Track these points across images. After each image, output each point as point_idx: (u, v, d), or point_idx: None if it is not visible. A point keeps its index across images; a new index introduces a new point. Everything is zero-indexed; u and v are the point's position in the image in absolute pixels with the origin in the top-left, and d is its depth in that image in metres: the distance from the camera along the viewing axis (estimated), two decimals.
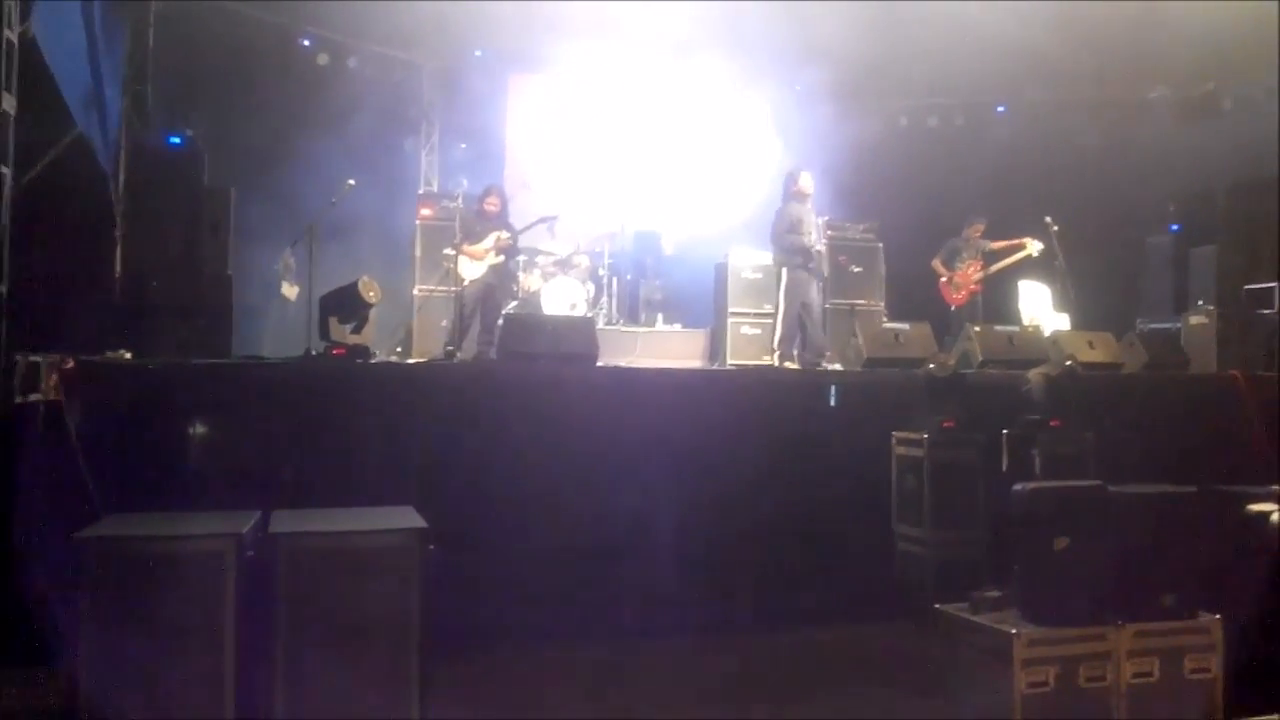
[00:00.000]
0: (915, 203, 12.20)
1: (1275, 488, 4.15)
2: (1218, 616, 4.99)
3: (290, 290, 10.80)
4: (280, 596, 4.28)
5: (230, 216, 8.12)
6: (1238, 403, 7.65)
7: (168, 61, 10.15)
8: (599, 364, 7.62)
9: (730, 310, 10.12)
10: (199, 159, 7.96)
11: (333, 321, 7.32)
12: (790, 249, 9.35)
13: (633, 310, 11.22)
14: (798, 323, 9.19)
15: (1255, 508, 3.93)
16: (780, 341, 9.25)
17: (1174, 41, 11.66)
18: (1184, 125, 13.28)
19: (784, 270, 9.35)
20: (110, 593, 4.07)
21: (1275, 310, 10.18)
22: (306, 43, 12.00)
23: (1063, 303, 10.29)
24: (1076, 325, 9.95)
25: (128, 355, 6.60)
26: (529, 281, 10.75)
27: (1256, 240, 11.60)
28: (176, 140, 8.08)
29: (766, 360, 9.82)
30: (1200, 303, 10.22)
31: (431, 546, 4.44)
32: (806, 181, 9.67)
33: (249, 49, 11.29)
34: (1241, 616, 5.12)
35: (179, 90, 10.20)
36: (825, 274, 10.06)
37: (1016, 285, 10.66)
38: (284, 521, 4.59)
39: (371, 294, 7.43)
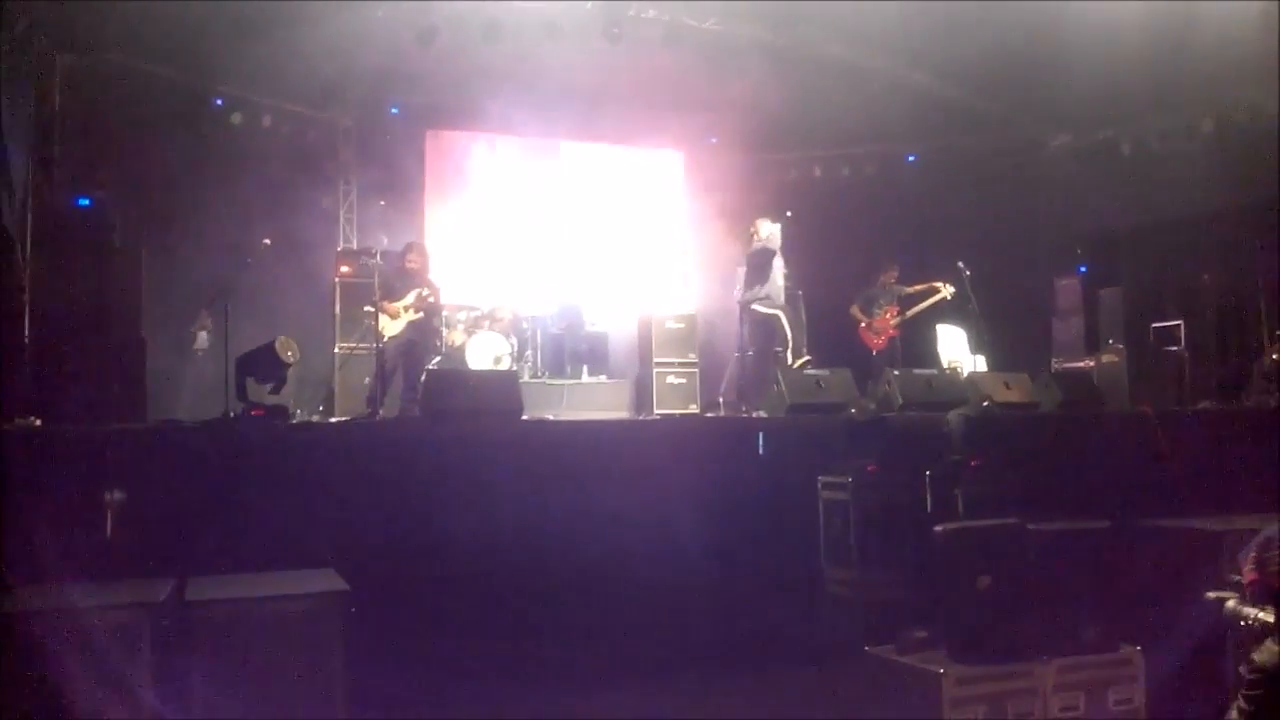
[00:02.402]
0: (832, 251, 12.43)
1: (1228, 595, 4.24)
2: (1139, 648, 5.08)
3: (205, 346, 10.65)
4: (197, 666, 4.16)
5: (142, 278, 7.96)
6: (1150, 438, 7.84)
7: (76, 122, 10.01)
8: (524, 418, 7.57)
9: (655, 360, 10.15)
10: (108, 220, 7.81)
11: (250, 382, 7.19)
12: None
13: (557, 363, 11.20)
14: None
15: (1212, 595, 4.02)
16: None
17: (1074, 88, 12.10)
18: (1086, 170, 13.75)
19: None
20: (20, 667, 3.92)
21: (1181, 347, 10.52)
22: (219, 102, 11.90)
23: (978, 345, 10.53)
24: (992, 366, 10.18)
25: (37, 421, 6.40)
26: (452, 337, 10.70)
27: (1160, 280, 12.01)
28: (85, 201, 7.94)
29: (693, 409, 9.88)
30: (1110, 341, 10.52)
31: (353, 609, 4.36)
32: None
33: (160, 109, 11.17)
34: (1162, 646, 5.22)
35: (88, 151, 10.04)
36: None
37: (934, 329, 10.89)
38: (201, 588, 4.48)
39: (289, 353, 7.31)
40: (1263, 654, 3.71)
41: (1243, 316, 10.72)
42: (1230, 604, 3.98)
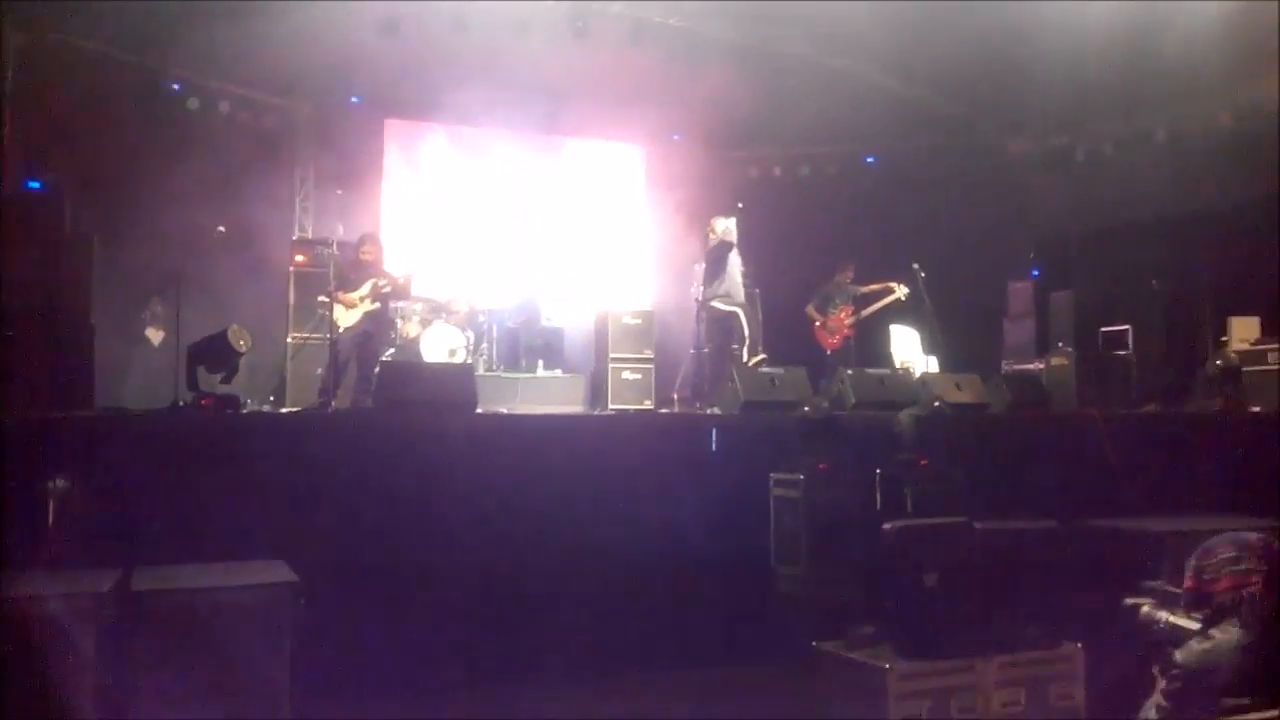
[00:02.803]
0: (790, 250, 12.50)
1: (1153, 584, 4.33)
2: (1079, 645, 5.17)
3: (155, 335, 10.52)
4: (144, 657, 4.13)
5: (93, 264, 7.85)
6: (1096, 440, 7.96)
7: (28, 104, 9.84)
8: (478, 411, 7.56)
9: (611, 356, 10.16)
10: (59, 205, 7.68)
11: (201, 371, 7.13)
12: None
13: (513, 357, 11.18)
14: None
15: (1129, 601, 4.11)
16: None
17: (1033, 95, 12.28)
18: (1042, 175, 13.94)
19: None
20: None
21: (1129, 351, 10.68)
22: (176, 86, 11.75)
23: (931, 345, 10.64)
24: (944, 367, 10.29)
25: None
26: (407, 329, 10.65)
27: (1111, 284, 12.20)
28: (36, 185, 7.81)
29: (647, 405, 9.91)
30: (1060, 344, 10.66)
31: (303, 600, 4.34)
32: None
33: (116, 92, 11.01)
34: (1103, 643, 5.31)
35: (40, 134, 9.88)
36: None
37: (888, 329, 10.99)
38: (147, 579, 4.44)
39: (242, 342, 7.26)
40: (1185, 653, 3.80)
41: (1189, 323, 10.92)
42: (1145, 609, 4.07)
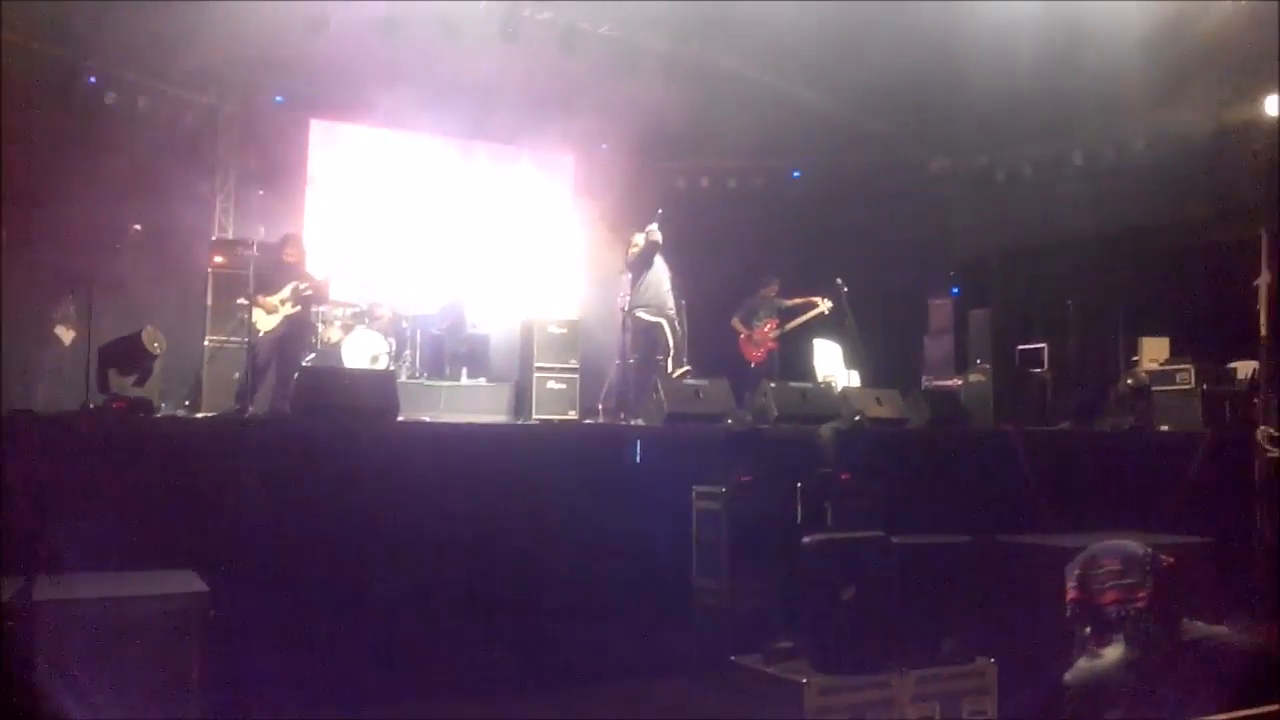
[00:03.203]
0: (715, 261, 12.57)
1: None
2: (992, 660, 5.26)
3: (66, 334, 10.24)
4: (45, 669, 3.99)
5: (1, 261, 7.61)
6: (1012, 456, 8.12)
7: None
8: (400, 419, 7.47)
9: (536, 365, 10.12)
10: None
11: (113, 373, 6.93)
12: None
13: (436, 364, 11.07)
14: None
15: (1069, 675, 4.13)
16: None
17: (956, 116, 12.53)
18: (962, 194, 14.22)
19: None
20: None
21: (1045, 368, 10.92)
22: (93, 79, 11.44)
23: (853, 360, 10.78)
24: (866, 382, 10.43)
25: None
26: (329, 333, 10.48)
27: (1028, 303, 12.47)
28: None
29: (572, 415, 9.88)
30: (978, 361, 10.85)
31: (213, 612, 4.23)
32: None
33: (28, 83, 10.67)
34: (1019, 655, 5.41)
35: None
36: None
37: (811, 343, 11.10)
38: (50, 588, 4.30)
39: (156, 344, 7.09)
40: (1074, 673, 3.86)
41: (1102, 342, 11.20)
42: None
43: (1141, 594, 3.81)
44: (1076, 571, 3.99)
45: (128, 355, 7.00)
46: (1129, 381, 10.11)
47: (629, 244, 10.18)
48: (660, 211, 10.31)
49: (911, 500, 7.26)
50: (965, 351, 11.44)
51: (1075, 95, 11.43)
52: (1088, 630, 3.90)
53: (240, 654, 5.11)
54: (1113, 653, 3.75)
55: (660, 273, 10.02)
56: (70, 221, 10.12)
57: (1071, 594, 3.99)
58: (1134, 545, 4.23)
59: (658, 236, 10.00)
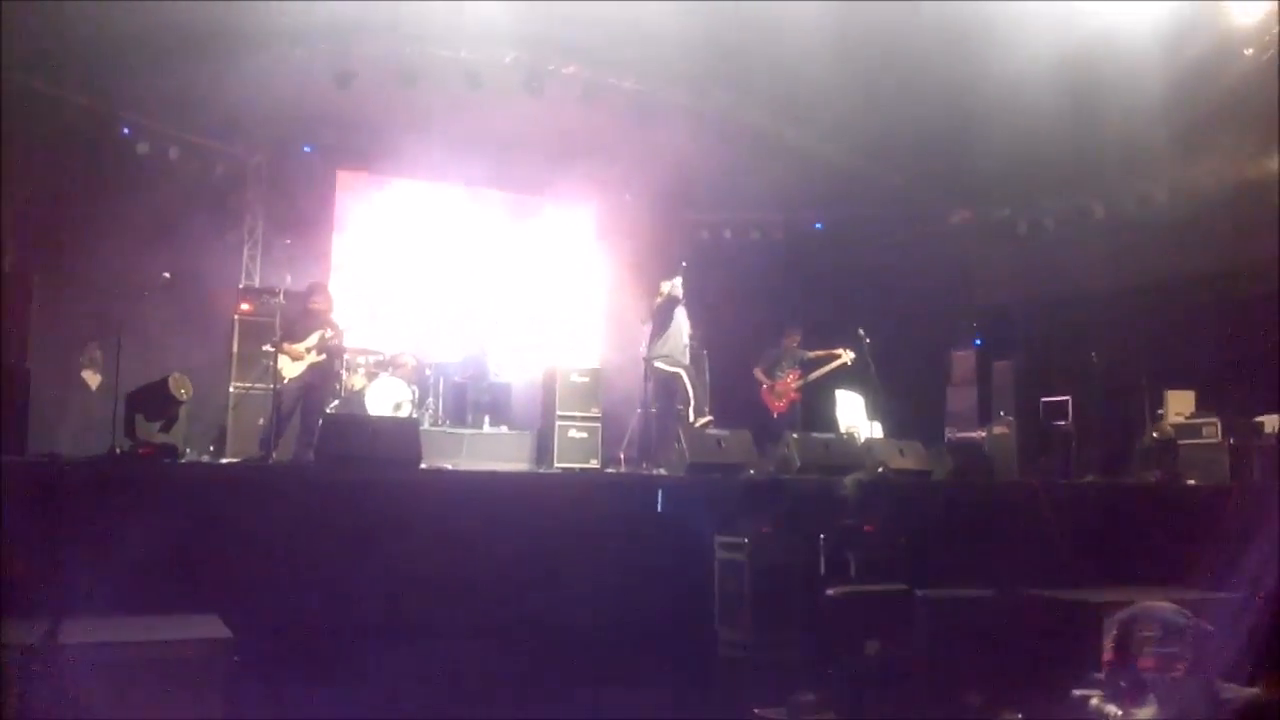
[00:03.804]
0: (738, 312, 12.61)
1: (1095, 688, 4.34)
2: (1020, 716, 5.18)
3: (92, 378, 10.31)
4: (69, 712, 3.99)
5: (32, 305, 7.71)
6: (1036, 509, 8.05)
7: None
8: (422, 466, 7.48)
9: (558, 413, 10.14)
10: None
11: (139, 419, 7.00)
12: None
13: (459, 412, 11.09)
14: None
15: (1078, 693, 4.09)
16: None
17: (977, 168, 12.57)
18: (984, 246, 14.22)
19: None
20: None
21: (1069, 421, 10.86)
22: (126, 130, 11.64)
23: (875, 411, 10.74)
24: (888, 433, 10.38)
25: None
26: (352, 381, 10.53)
27: (1051, 355, 12.43)
28: None
29: (593, 464, 9.88)
30: (1001, 413, 10.81)
31: (236, 658, 4.23)
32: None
33: (64, 134, 10.88)
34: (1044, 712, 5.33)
35: None
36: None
37: (833, 394, 11.08)
38: (75, 631, 4.31)
39: (183, 391, 7.16)
40: None
41: (1127, 395, 11.13)
42: (1094, 701, 4.07)
43: (1180, 664, 3.76)
44: (1114, 633, 3.94)
45: (155, 401, 7.07)
46: (1155, 435, 10.04)
47: (655, 294, 10.21)
48: (684, 264, 10.36)
49: (935, 553, 7.21)
50: (989, 403, 11.41)
51: (1096, 147, 11.45)
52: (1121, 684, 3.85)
53: (263, 699, 5.10)
54: (1146, 714, 3.70)
55: (680, 324, 10.05)
56: (100, 268, 10.25)
57: (1108, 655, 3.93)
58: (1175, 612, 4.17)
59: (679, 291, 10.04)
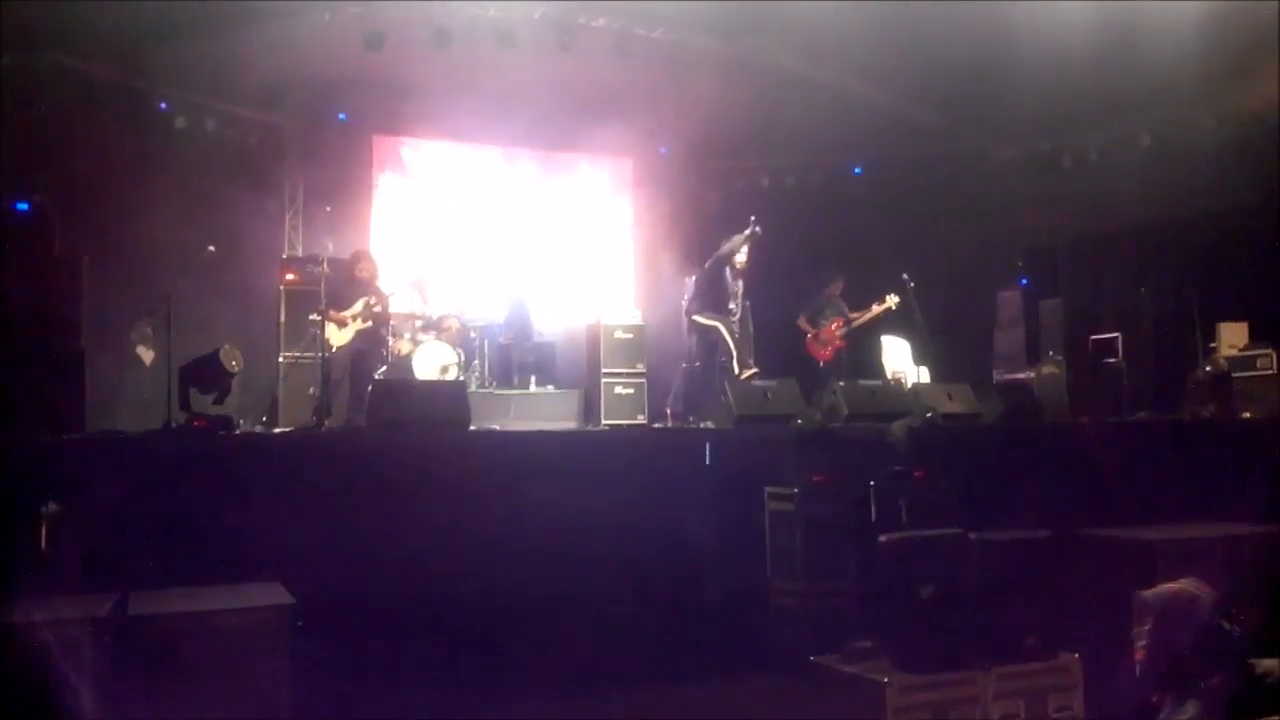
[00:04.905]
0: (779, 261, 12.52)
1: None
2: (1077, 655, 5.18)
3: (146, 354, 10.48)
4: (141, 682, 4.11)
5: (83, 285, 7.81)
6: (1088, 448, 7.98)
7: (14, 124, 9.80)
8: (471, 428, 7.55)
9: (603, 371, 10.17)
10: (48, 226, 7.66)
11: (193, 392, 7.10)
12: None
13: (505, 373, 11.16)
14: None
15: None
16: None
17: (1017, 102, 12.33)
18: (1027, 182, 13.97)
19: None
20: None
21: (1119, 359, 10.71)
22: (164, 105, 11.73)
23: (922, 355, 10.66)
24: (935, 377, 10.31)
25: None
26: (399, 346, 10.62)
27: (1099, 293, 12.25)
28: (23, 206, 7.76)
29: (640, 420, 9.91)
30: (1050, 353, 10.68)
31: (300, 623, 4.32)
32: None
33: (103, 111, 11.00)
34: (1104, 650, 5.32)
35: (27, 154, 9.84)
36: None
37: (878, 340, 11.01)
38: (144, 602, 4.42)
39: (233, 363, 7.25)
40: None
41: (1178, 329, 10.96)
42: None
43: (1219, 678, 3.70)
44: (1147, 629, 3.89)
45: (207, 374, 7.17)
46: (1207, 369, 9.88)
47: (705, 246, 10.01)
48: (757, 229, 9.91)
49: (987, 496, 7.17)
50: (1037, 343, 11.29)
51: (1140, 74, 11.17)
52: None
53: (325, 663, 5.21)
54: (1193, 708, 3.67)
55: (727, 281, 9.92)
56: (146, 244, 10.38)
57: (1140, 653, 3.89)
58: (1209, 611, 4.09)
59: (743, 259, 9.79)
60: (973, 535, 5.58)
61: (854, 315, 11.09)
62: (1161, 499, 7.37)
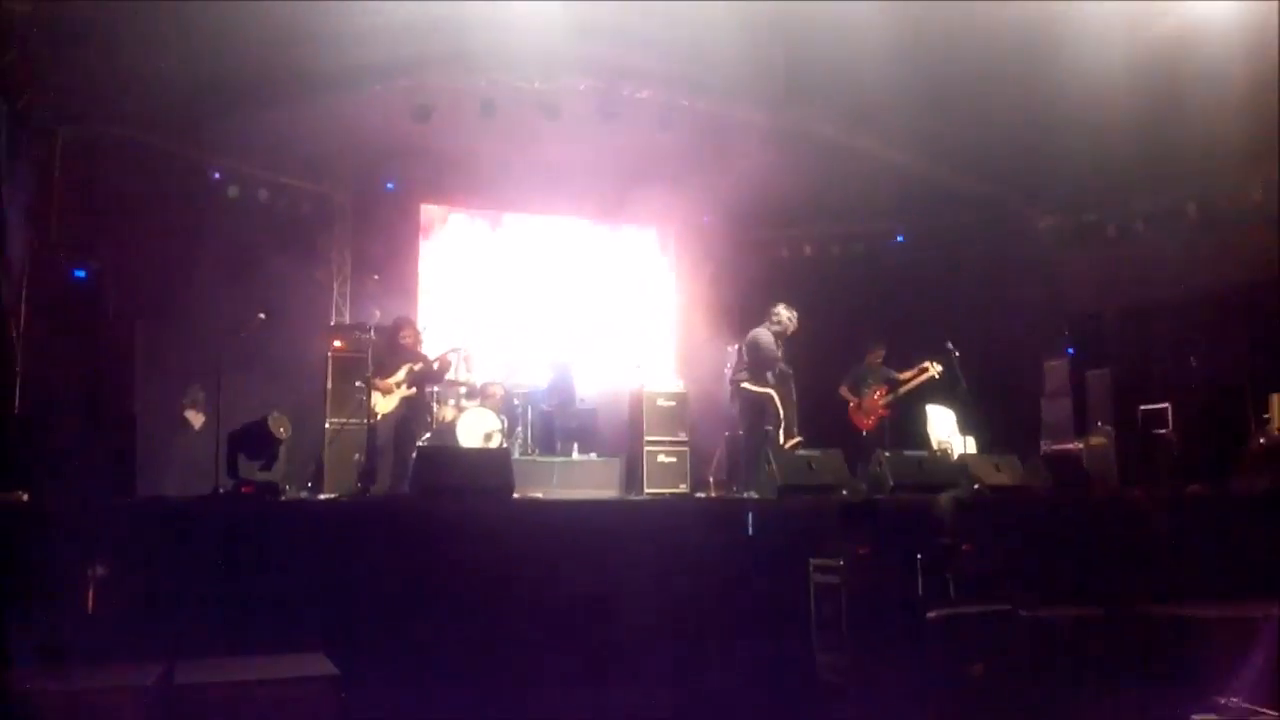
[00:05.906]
0: (822, 329, 12.50)
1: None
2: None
3: (195, 418, 10.61)
4: None
5: (135, 351, 7.97)
6: (1140, 521, 7.84)
7: (74, 194, 10.07)
8: (515, 496, 7.56)
9: (646, 439, 10.17)
10: (104, 292, 7.85)
11: (241, 458, 7.18)
12: None
13: (548, 440, 11.18)
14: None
15: (1198, 718, 3.97)
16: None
17: (1061, 171, 12.31)
18: (1073, 251, 13.89)
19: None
20: None
21: (1169, 429, 10.54)
22: (216, 175, 12.00)
23: (967, 425, 10.55)
24: (981, 447, 10.19)
25: (24, 496, 6.35)
26: (443, 413, 10.69)
27: (1147, 362, 12.09)
28: (81, 273, 7.96)
29: (683, 488, 9.87)
30: (1099, 424, 10.53)
31: (344, 694, 4.31)
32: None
33: (158, 181, 11.25)
34: None
35: (85, 223, 10.09)
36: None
37: (923, 409, 10.92)
38: (190, 672, 4.43)
39: (282, 430, 7.34)
40: None
41: (1228, 400, 10.78)
42: None
43: None
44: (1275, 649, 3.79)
45: (256, 441, 7.25)
46: (1261, 440, 9.69)
47: (770, 314, 10.02)
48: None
49: (1036, 570, 7.06)
50: (1085, 413, 11.13)
51: (1184, 145, 11.13)
52: None
53: None
54: None
55: (773, 348, 9.91)
56: (198, 310, 10.55)
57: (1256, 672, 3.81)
58: None
59: (793, 327, 9.93)
60: (1022, 612, 5.50)
61: (899, 376, 11.00)
62: (1216, 574, 7.21)
